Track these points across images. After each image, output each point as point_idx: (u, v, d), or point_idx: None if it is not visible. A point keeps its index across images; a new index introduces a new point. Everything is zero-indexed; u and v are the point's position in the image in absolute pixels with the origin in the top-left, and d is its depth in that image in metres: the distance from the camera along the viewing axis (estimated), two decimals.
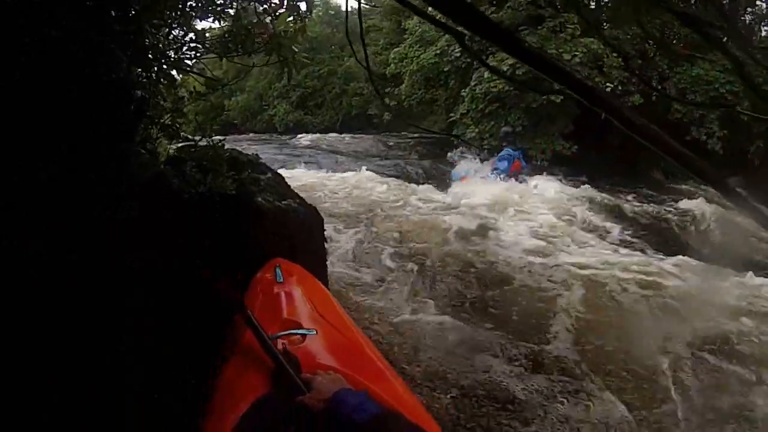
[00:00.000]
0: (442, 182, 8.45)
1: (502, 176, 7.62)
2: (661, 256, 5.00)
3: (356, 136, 14.13)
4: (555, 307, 3.69)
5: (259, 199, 2.55)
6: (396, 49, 14.09)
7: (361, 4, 3.73)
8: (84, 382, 1.41)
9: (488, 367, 2.94)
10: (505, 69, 8.09)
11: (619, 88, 8.97)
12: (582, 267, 4.40)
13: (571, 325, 3.42)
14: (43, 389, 1.32)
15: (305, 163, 9.97)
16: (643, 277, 4.19)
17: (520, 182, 7.67)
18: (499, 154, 8.10)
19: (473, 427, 2.46)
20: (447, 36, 10.23)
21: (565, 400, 2.67)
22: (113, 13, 1.81)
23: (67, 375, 1.38)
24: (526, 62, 2.30)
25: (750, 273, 4.30)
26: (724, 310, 3.59)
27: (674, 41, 7.05)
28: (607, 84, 8.93)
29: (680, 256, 4.79)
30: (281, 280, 2.02)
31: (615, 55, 8.83)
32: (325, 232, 3.36)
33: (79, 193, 1.47)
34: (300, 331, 1.66)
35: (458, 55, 10.68)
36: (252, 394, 1.38)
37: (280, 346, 1.52)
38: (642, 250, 5.13)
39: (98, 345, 1.47)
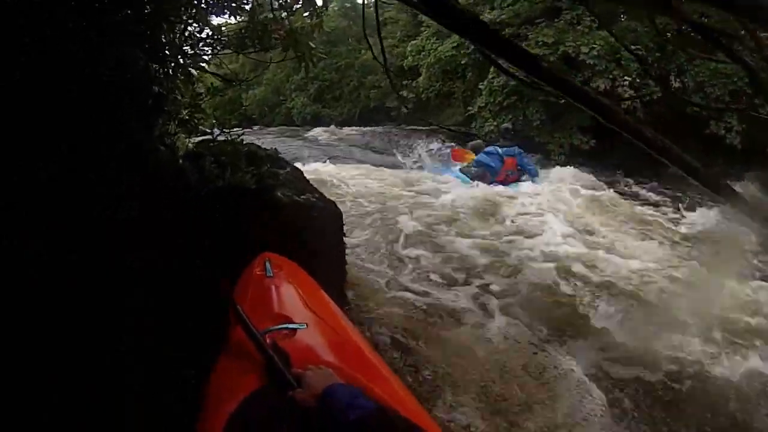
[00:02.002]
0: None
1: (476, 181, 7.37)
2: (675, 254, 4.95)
3: (373, 128, 14.04)
4: (571, 302, 3.74)
5: (278, 193, 2.56)
6: (413, 42, 14.09)
7: None
8: (84, 382, 1.43)
9: (492, 365, 2.91)
10: None
11: (638, 80, 8.81)
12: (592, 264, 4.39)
13: (577, 324, 3.43)
14: (43, 389, 1.34)
15: (321, 156, 9.90)
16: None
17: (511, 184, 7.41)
18: (486, 149, 7.86)
19: (469, 425, 2.43)
20: None
21: (566, 399, 2.65)
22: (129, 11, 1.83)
23: (67, 375, 1.40)
24: (523, 69, 2.27)
25: None
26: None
27: (692, 34, 6.89)
28: (625, 77, 8.78)
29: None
30: (271, 274, 2.00)
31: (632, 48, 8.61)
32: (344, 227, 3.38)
33: (79, 193, 1.49)
34: (290, 326, 1.63)
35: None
36: (242, 391, 1.36)
37: (270, 341, 1.50)
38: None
39: (98, 345, 1.49)
